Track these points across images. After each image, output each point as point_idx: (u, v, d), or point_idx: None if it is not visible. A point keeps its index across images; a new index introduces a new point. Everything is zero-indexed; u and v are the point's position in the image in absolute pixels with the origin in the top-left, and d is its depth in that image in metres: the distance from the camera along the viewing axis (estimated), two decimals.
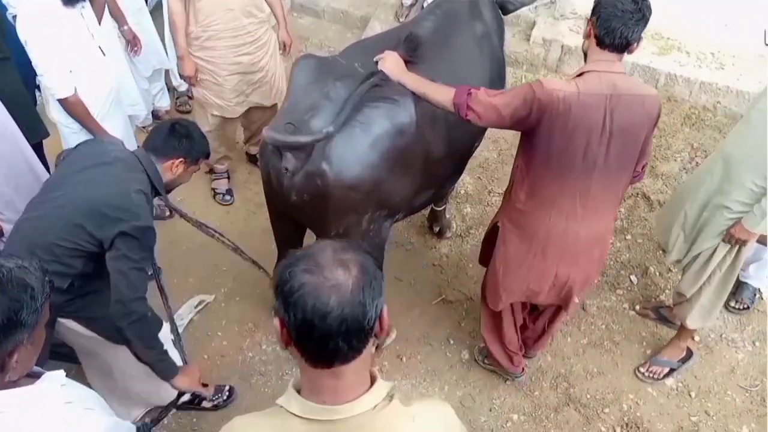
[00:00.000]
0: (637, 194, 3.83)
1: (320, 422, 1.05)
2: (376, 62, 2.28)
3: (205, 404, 2.76)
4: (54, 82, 2.69)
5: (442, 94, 2.18)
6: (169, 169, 2.26)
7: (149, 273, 2.24)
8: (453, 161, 2.64)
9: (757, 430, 2.81)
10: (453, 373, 2.98)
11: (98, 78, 2.88)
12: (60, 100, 2.75)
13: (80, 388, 1.45)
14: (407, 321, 3.18)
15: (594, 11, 2.03)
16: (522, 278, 2.42)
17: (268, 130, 2.09)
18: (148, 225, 2.07)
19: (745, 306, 3.27)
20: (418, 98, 2.26)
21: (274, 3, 3.39)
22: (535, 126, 2.08)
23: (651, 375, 2.99)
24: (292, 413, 1.06)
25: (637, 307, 3.28)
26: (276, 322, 1.05)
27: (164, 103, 4.15)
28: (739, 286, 3.27)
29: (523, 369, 2.86)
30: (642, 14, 1.97)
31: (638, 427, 2.81)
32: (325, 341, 1.01)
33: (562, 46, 4.56)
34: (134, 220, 2.02)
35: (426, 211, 3.62)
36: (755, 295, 3.29)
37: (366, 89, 2.19)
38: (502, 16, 3.01)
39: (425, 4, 4.08)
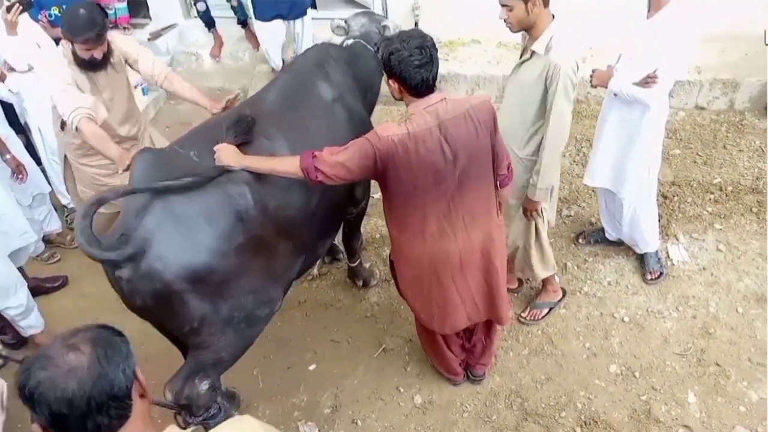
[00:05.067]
0: None
1: None
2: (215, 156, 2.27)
3: None
4: None
5: (288, 165, 2.25)
6: None
7: None
8: (319, 226, 2.66)
9: (701, 392, 2.94)
10: (410, 421, 2.94)
11: None
12: None
13: None
14: (353, 382, 3.12)
15: (391, 72, 2.17)
16: (427, 300, 2.56)
17: (80, 241, 2.00)
18: None
19: (659, 273, 3.47)
20: (253, 180, 2.26)
21: (182, 90, 3.13)
22: (383, 171, 2.21)
23: (532, 318, 3.31)
24: None
25: (580, 240, 3.73)
26: (35, 427, 1.05)
27: (54, 226, 3.96)
28: (643, 258, 3.51)
29: (461, 376, 3.03)
30: (432, 59, 2.14)
31: (596, 422, 2.86)
32: (83, 423, 1.04)
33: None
34: None
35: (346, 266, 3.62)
36: (660, 259, 3.50)
37: (198, 183, 2.17)
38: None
39: None
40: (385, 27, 3.13)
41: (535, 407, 2.94)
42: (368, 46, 3.10)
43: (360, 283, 3.56)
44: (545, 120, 2.67)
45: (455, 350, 2.93)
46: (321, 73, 2.79)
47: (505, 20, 2.62)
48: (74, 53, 2.96)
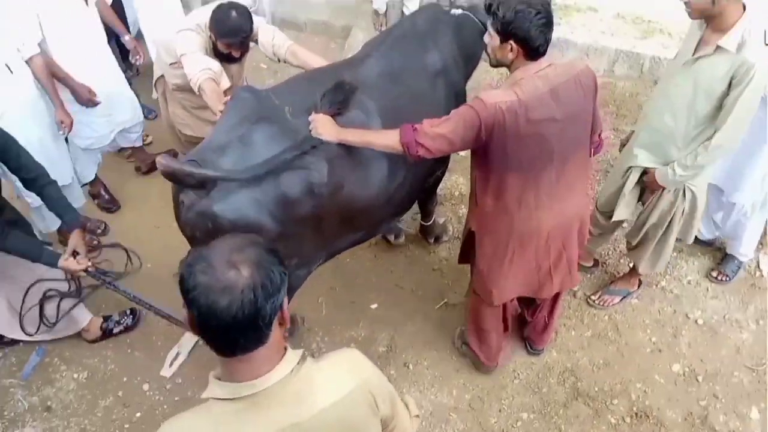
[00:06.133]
0: None
1: (243, 399, 1.13)
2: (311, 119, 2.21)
3: (115, 330, 3.08)
4: None
5: (387, 139, 2.18)
6: None
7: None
8: (392, 209, 2.62)
9: (767, 410, 2.82)
10: (460, 376, 3.00)
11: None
12: None
13: None
14: (411, 328, 3.19)
15: (509, 32, 2.03)
16: (506, 272, 2.48)
17: (162, 156, 2.04)
18: None
19: (726, 278, 3.31)
20: (336, 157, 2.21)
21: (310, 62, 2.96)
22: (486, 142, 2.11)
23: (602, 303, 3.23)
24: (218, 399, 1.15)
25: None
26: (185, 313, 1.12)
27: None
28: (725, 257, 3.35)
29: (496, 363, 2.92)
30: (550, 20, 2.03)
31: (648, 416, 2.81)
32: (222, 335, 1.09)
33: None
34: None
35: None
36: (740, 269, 3.33)
37: (292, 155, 2.14)
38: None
39: (405, 10, 4.08)
40: None
41: (588, 389, 2.92)
42: (475, 18, 2.89)
43: (431, 240, 3.56)
44: (718, 122, 2.44)
45: (509, 323, 2.86)
46: (430, 40, 2.67)
47: (685, 3, 2.37)
48: (215, 44, 2.99)
